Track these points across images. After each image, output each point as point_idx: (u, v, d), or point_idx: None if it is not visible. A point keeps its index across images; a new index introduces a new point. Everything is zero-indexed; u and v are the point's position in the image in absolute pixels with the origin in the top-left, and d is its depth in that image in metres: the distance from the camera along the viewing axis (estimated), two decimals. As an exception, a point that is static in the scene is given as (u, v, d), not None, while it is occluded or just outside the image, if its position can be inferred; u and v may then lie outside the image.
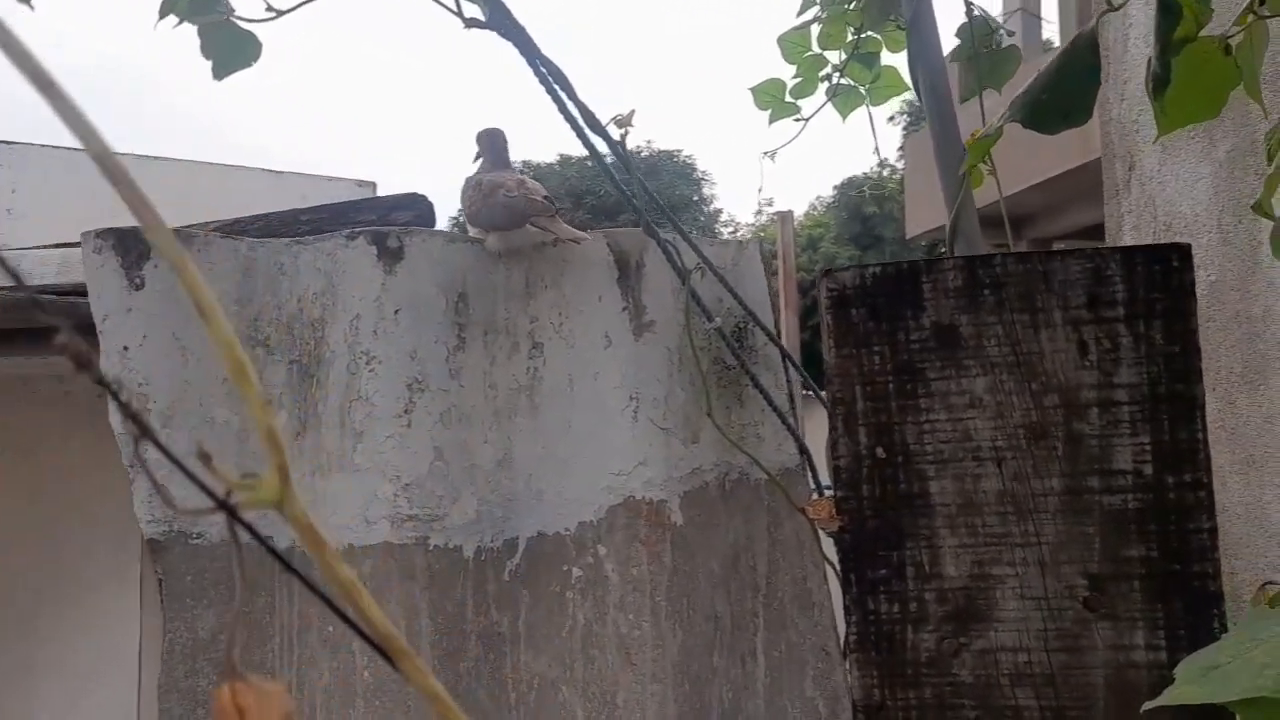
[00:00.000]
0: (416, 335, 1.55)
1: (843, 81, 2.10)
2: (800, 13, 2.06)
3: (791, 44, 2.09)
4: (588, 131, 1.30)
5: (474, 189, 1.66)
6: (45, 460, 2.74)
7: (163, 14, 1.29)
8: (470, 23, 1.27)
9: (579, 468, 1.62)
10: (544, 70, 1.28)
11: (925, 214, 10.36)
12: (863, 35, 2.06)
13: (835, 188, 18.38)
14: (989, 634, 0.99)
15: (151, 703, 1.57)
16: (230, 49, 1.30)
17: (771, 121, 2.11)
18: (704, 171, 20.84)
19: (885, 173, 18.50)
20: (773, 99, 2.10)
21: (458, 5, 1.26)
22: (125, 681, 2.84)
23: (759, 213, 20.09)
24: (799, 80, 2.10)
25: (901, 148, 17.02)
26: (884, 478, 1.07)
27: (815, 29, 2.06)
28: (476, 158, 1.77)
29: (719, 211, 21.06)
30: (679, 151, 21.15)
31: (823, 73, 2.11)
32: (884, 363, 1.08)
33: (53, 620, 2.82)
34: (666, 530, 1.64)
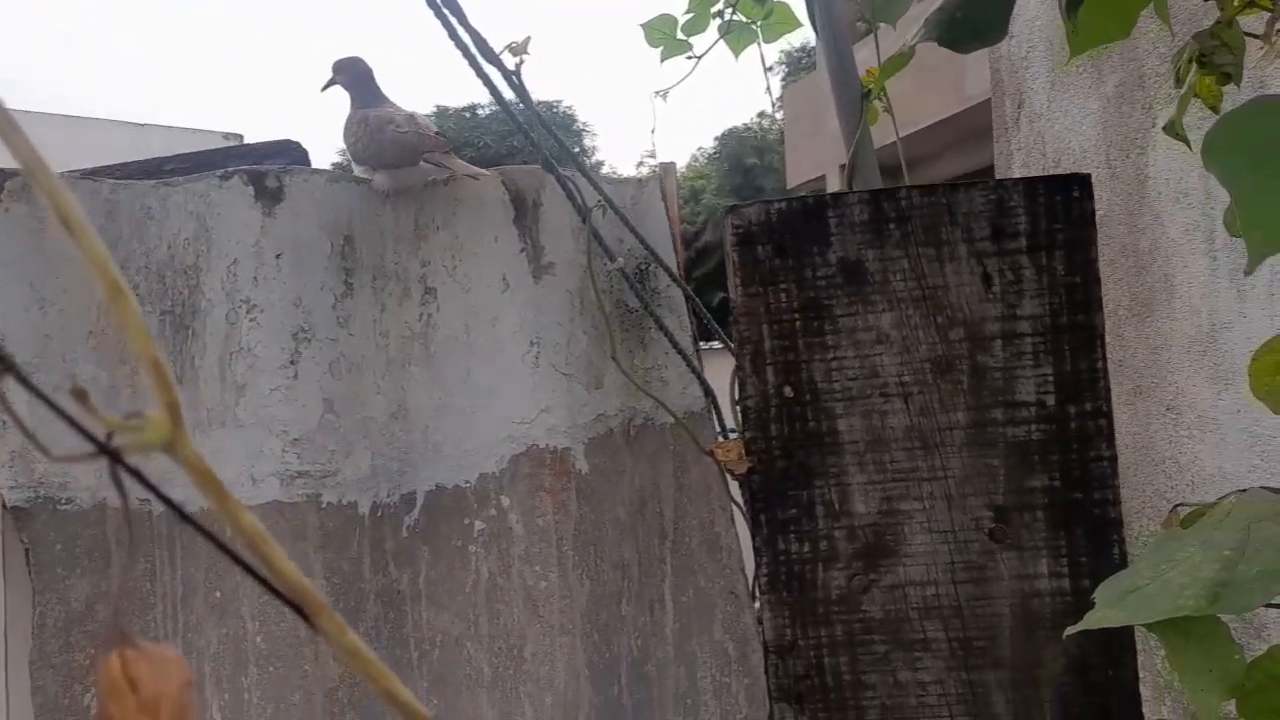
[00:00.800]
0: (300, 281, 1.49)
1: (735, 18, 2.10)
2: None
3: None
4: (480, 59, 1.26)
5: (359, 124, 1.59)
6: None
7: None
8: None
9: (478, 417, 1.60)
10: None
11: (805, 164, 10.66)
12: None
13: (716, 139, 18.75)
14: (898, 569, 1.01)
15: (18, 678, 1.50)
16: None
17: (663, 59, 2.09)
18: (584, 123, 21.01)
19: (765, 123, 18.92)
20: (664, 36, 2.08)
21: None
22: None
23: (640, 164, 20.42)
24: (690, 16, 2.09)
25: (780, 98, 17.55)
26: (792, 416, 1.08)
27: None
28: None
29: (600, 163, 21.15)
30: (559, 103, 21.23)
31: (715, 9, 2.10)
32: (790, 300, 1.09)
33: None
34: (571, 479, 1.63)
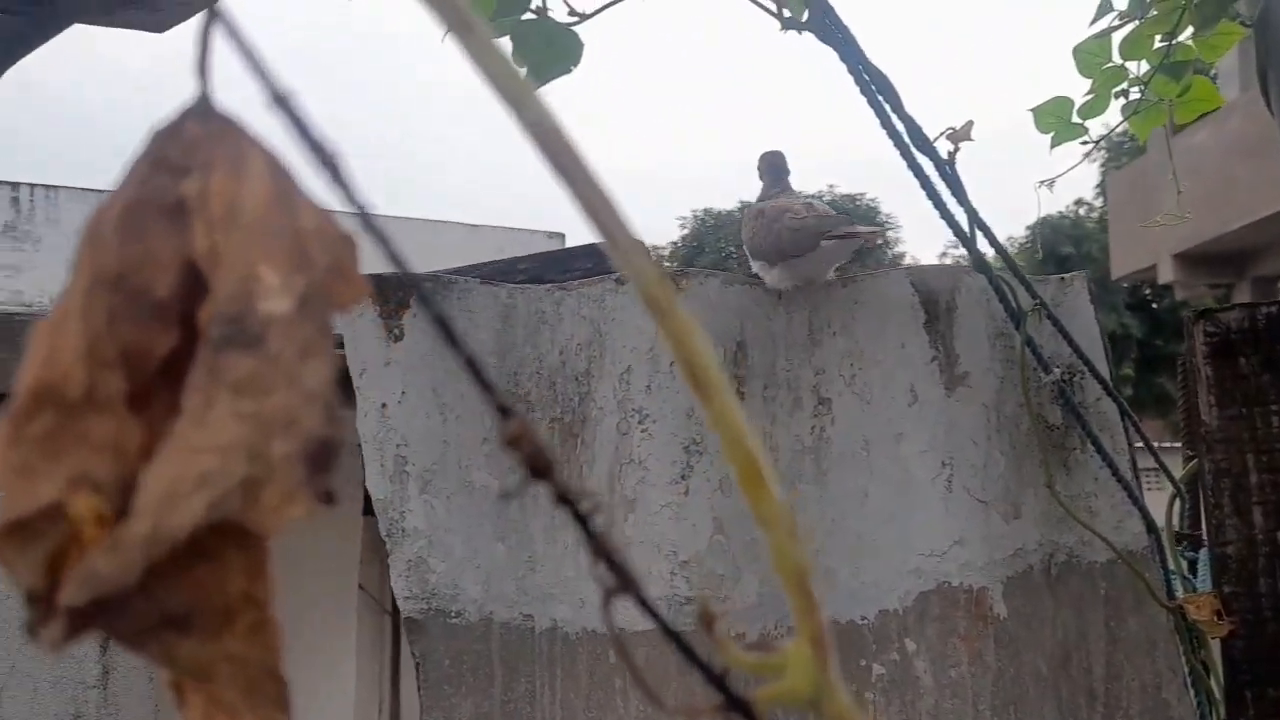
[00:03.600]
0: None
1: (1144, 97, 2.07)
2: (1094, 20, 2.03)
3: (1088, 55, 2.06)
4: (913, 150, 1.30)
5: (755, 217, 1.69)
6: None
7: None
8: (788, 23, 1.31)
9: (879, 546, 1.59)
10: (866, 78, 1.30)
11: (1131, 254, 10.33)
12: (1174, 42, 2.00)
13: (1028, 228, 19.28)
14: None
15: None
16: (548, 51, 1.28)
17: (1054, 146, 2.11)
18: (887, 214, 22.02)
19: (1082, 211, 19.98)
20: (1057, 120, 2.09)
21: (777, 6, 1.30)
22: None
23: (943, 255, 21.21)
24: (1090, 98, 2.08)
25: (1100, 185, 17.93)
26: (1289, 570, 1.00)
27: (1116, 37, 2.02)
28: (765, 183, 1.82)
29: (902, 254, 21.77)
30: (862, 195, 22.55)
31: (1117, 89, 2.09)
32: (1286, 425, 1.01)
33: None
34: (989, 624, 1.58)
